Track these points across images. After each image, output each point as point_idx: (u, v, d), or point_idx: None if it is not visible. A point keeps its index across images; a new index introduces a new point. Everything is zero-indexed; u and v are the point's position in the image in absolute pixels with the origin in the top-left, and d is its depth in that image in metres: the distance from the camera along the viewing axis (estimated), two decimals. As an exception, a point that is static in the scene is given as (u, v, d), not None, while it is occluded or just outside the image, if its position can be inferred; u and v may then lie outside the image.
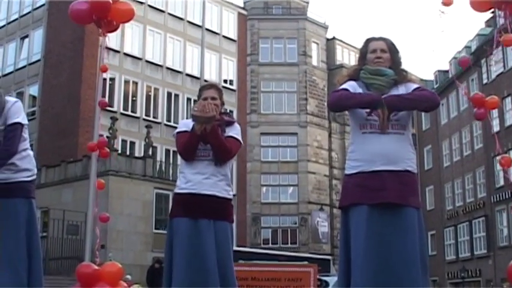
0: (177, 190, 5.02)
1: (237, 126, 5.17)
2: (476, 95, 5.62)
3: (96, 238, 7.01)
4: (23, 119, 5.04)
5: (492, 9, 5.28)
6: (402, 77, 4.31)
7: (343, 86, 4.28)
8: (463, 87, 33.80)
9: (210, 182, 4.91)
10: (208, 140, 4.87)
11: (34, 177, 5.20)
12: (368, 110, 4.13)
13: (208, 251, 4.74)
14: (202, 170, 4.92)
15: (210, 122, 4.82)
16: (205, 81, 25.30)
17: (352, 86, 4.27)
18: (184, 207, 4.89)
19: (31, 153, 5.20)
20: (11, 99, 5.07)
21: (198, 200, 4.85)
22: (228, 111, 5.43)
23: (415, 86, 4.25)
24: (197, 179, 4.90)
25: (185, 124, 5.08)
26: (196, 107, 4.90)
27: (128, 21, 6.73)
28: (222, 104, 5.18)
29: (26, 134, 5.13)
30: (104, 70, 6.97)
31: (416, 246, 4.02)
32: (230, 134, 5.03)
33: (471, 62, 40.99)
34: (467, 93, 6.14)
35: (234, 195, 37.98)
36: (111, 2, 6.14)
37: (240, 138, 5.11)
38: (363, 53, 4.45)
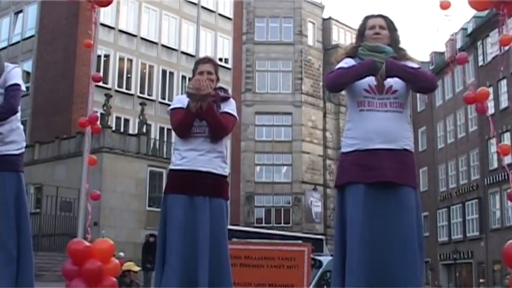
0: (171, 166, 4.94)
1: (232, 101, 5.07)
2: (467, 95, 5.56)
3: (88, 215, 6.96)
4: (21, 84, 5.02)
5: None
6: (401, 55, 4.23)
7: (339, 65, 4.21)
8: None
9: (206, 158, 4.83)
10: (204, 118, 4.78)
11: (22, 150, 5.10)
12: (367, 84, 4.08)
13: (203, 225, 4.67)
14: (197, 146, 4.83)
15: (205, 100, 4.74)
16: (201, 59, 25.09)
17: (348, 63, 4.19)
18: (179, 184, 4.81)
19: (21, 126, 5.12)
20: (10, 64, 5.05)
21: (193, 176, 4.78)
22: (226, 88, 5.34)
23: (415, 65, 4.18)
24: (192, 155, 4.82)
25: (180, 100, 4.98)
26: (192, 84, 4.79)
27: None
28: (218, 79, 5.08)
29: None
30: (88, 45, 6.90)
31: (414, 228, 3.97)
32: (225, 109, 4.94)
33: (468, 43, 40.94)
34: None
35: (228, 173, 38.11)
36: None
37: (235, 113, 5.02)
38: (361, 30, 4.36)
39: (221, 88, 5.13)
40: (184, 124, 4.82)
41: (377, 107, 4.09)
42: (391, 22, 4.35)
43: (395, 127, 4.08)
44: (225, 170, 4.98)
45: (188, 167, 4.80)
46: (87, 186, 7.36)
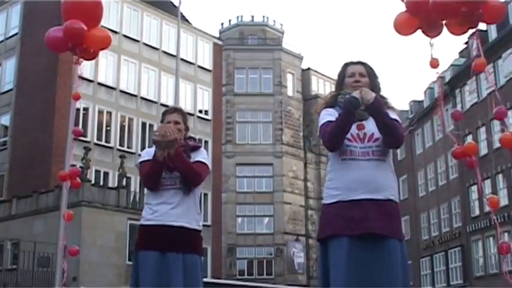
0: (142, 221, 4.71)
1: (203, 151, 4.89)
2: (457, 150, 5.47)
3: (64, 272, 6.71)
4: None
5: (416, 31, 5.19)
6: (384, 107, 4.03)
7: (325, 119, 4.04)
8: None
9: (178, 212, 4.60)
10: (173, 165, 4.57)
11: None
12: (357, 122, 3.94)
13: (177, 284, 4.43)
14: (169, 199, 4.61)
15: (172, 146, 4.53)
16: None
17: (331, 114, 4.04)
18: (150, 240, 4.58)
19: None
20: None
21: (165, 231, 4.55)
22: (196, 138, 5.15)
23: (394, 116, 4.02)
24: (164, 209, 4.60)
25: (148, 153, 4.78)
26: (157, 131, 4.61)
27: (104, 48, 6.49)
28: (187, 128, 4.92)
29: None
30: (77, 98, 6.76)
31: (399, 283, 3.76)
32: (197, 159, 4.75)
33: (446, 91, 41.33)
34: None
35: (208, 225, 37.81)
36: (85, 28, 5.92)
37: (207, 162, 4.83)
38: (341, 77, 4.22)
39: (191, 137, 4.97)
40: (152, 175, 4.61)
41: (359, 155, 3.94)
42: (371, 69, 4.21)
43: (379, 176, 3.92)
44: (199, 223, 4.76)
45: (159, 222, 4.58)
46: (64, 243, 7.12)
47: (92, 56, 6.50)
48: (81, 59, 6.37)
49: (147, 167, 4.65)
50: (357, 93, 3.87)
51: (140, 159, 4.83)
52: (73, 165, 6.95)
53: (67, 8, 6.03)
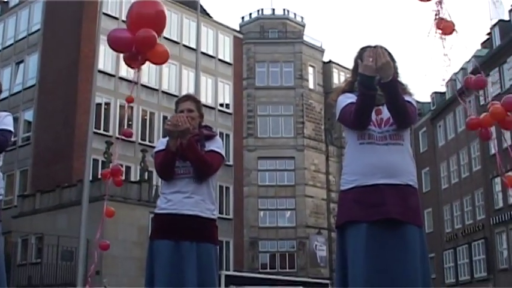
0: (156, 211, 4.68)
1: (218, 139, 4.83)
2: (471, 121, 5.36)
3: (91, 264, 6.77)
4: (12, 131, 4.94)
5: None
6: (401, 89, 3.90)
7: (345, 101, 3.94)
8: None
9: (192, 201, 4.56)
10: (185, 156, 4.54)
11: (1, 197, 4.89)
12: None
13: (190, 278, 4.40)
14: (182, 188, 4.58)
15: (185, 136, 4.50)
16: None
17: (351, 98, 3.93)
18: (164, 229, 4.56)
19: (1, 174, 4.92)
20: (3, 113, 4.96)
21: (179, 220, 4.52)
22: (213, 128, 5.10)
23: (408, 99, 3.91)
24: (177, 198, 4.57)
25: (162, 143, 4.74)
26: (170, 120, 4.57)
27: (162, 63, 6.45)
28: (201, 116, 4.86)
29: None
30: (130, 101, 6.80)
31: (418, 271, 3.68)
32: (211, 148, 4.70)
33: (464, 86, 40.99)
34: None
35: (230, 219, 37.88)
36: (156, 38, 5.86)
37: (222, 151, 4.77)
38: (358, 62, 3.98)
39: (206, 126, 4.90)
40: (165, 165, 4.58)
41: (377, 140, 3.85)
42: (389, 53, 3.97)
43: (397, 161, 3.84)
44: (213, 212, 4.70)
45: (173, 211, 4.55)
46: (98, 236, 7.26)
47: (138, 64, 6.48)
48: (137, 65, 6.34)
49: (161, 157, 4.63)
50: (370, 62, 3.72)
51: (155, 149, 4.81)
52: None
53: (137, 13, 5.87)
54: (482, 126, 5.33)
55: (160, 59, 6.26)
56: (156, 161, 4.69)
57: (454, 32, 4.93)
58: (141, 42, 5.75)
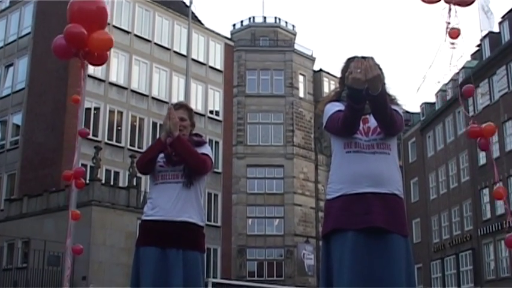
0: (143, 217, 4.62)
1: (207, 146, 4.80)
2: (472, 129, 5.35)
3: (68, 269, 6.66)
4: None
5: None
6: (389, 100, 3.84)
7: (333, 109, 3.91)
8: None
9: (179, 207, 4.50)
10: (176, 151, 4.50)
11: None
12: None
13: (176, 282, 4.34)
14: (170, 193, 4.52)
15: (175, 129, 4.49)
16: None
17: (338, 106, 3.91)
18: (151, 235, 4.49)
19: None
20: None
21: (166, 227, 4.45)
22: (203, 135, 5.09)
23: (394, 107, 3.86)
24: (165, 204, 4.50)
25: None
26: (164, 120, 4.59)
27: (107, 50, 6.50)
28: (193, 124, 4.85)
29: None
30: (76, 101, 6.85)
31: (403, 280, 3.65)
32: (201, 151, 4.67)
33: (457, 95, 41.14)
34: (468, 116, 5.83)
35: (218, 226, 37.80)
36: (85, 32, 5.93)
37: (212, 157, 4.75)
38: (344, 73, 3.97)
39: (196, 134, 4.89)
40: (148, 153, 4.64)
41: (364, 148, 3.84)
42: (378, 65, 3.86)
43: (383, 170, 3.82)
44: (201, 218, 4.64)
45: (160, 218, 4.48)
46: (68, 242, 7.11)
47: (99, 60, 6.52)
48: (87, 63, 6.43)
49: (145, 150, 4.71)
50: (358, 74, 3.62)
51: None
52: (83, 165, 6.94)
53: (71, 13, 6.08)
54: (483, 136, 5.31)
55: (103, 47, 6.31)
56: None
57: (460, 37, 4.96)
58: (69, 39, 5.87)
